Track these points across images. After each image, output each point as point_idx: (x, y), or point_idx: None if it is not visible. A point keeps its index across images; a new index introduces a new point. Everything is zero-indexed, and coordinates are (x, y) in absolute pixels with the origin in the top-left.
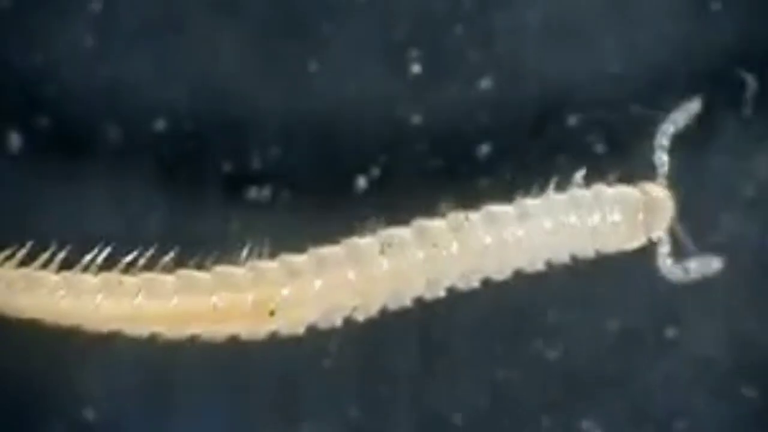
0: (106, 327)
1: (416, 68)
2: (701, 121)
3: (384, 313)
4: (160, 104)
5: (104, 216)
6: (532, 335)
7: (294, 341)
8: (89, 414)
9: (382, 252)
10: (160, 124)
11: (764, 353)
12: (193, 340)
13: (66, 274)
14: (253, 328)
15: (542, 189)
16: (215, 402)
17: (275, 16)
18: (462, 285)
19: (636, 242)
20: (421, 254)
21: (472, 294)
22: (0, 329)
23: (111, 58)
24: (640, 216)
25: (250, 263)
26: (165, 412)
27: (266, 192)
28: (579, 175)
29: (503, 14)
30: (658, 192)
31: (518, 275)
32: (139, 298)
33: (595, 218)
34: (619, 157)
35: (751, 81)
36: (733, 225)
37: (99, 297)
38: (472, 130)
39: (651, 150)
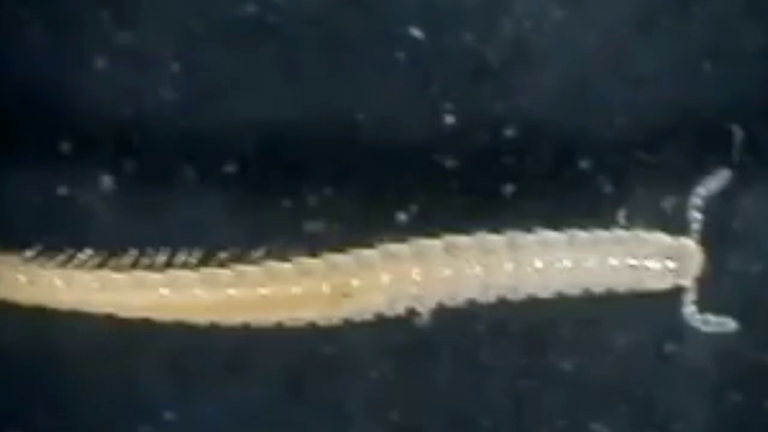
0: (205, 318)
1: (450, 119)
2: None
3: (423, 329)
4: (230, 149)
5: (183, 244)
6: (548, 348)
7: (341, 357)
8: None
9: (445, 252)
10: (230, 167)
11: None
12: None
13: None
14: (328, 313)
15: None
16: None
17: (329, 73)
18: (509, 296)
19: (664, 286)
20: (478, 262)
21: (497, 311)
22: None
23: (189, 109)
24: (672, 264)
25: (325, 255)
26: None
27: (320, 225)
28: (621, 214)
29: (524, 74)
30: (691, 245)
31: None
32: (232, 290)
33: (634, 259)
34: (623, 196)
35: (737, 131)
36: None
37: (197, 290)
38: (498, 171)
39: (655, 193)
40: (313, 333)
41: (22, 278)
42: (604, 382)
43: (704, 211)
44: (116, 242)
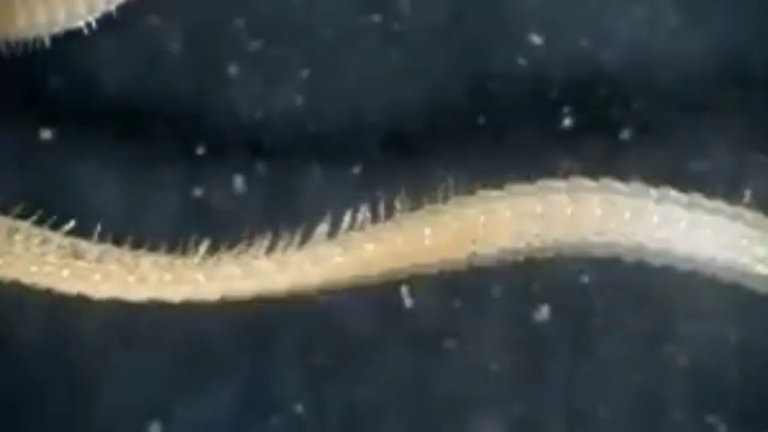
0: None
1: (567, 121)
2: None
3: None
4: (355, 150)
5: None
6: (665, 342)
7: (463, 351)
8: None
9: (568, 194)
10: (356, 168)
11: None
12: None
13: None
14: (457, 256)
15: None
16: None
17: (453, 78)
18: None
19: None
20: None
21: (614, 307)
22: None
23: (316, 112)
24: None
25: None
26: None
27: None
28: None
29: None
30: None
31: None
32: (371, 246)
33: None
34: (738, 198)
35: None
36: None
37: (338, 258)
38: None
39: None
40: (435, 327)
41: (200, 277)
42: (720, 376)
43: None
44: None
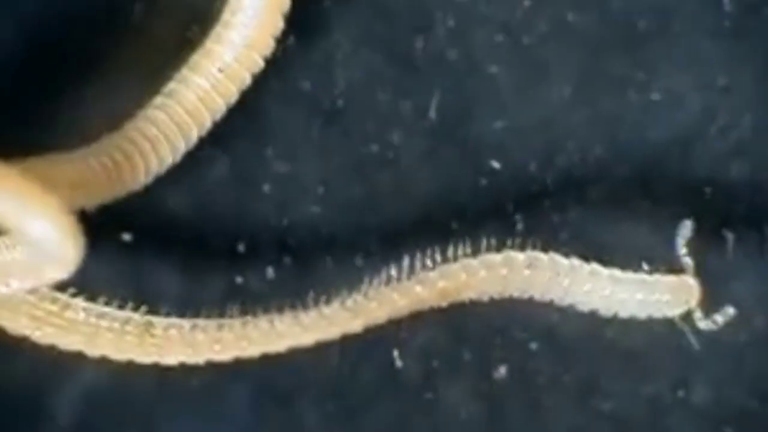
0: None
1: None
2: None
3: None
4: (358, 247)
5: None
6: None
7: (439, 402)
8: None
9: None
10: (359, 261)
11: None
12: None
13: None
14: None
15: None
16: None
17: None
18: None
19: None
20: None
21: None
22: None
23: (328, 220)
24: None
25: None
26: None
27: None
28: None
29: None
30: (691, 280)
31: None
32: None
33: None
34: None
35: None
36: None
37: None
38: None
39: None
40: (418, 383)
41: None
42: (636, 421)
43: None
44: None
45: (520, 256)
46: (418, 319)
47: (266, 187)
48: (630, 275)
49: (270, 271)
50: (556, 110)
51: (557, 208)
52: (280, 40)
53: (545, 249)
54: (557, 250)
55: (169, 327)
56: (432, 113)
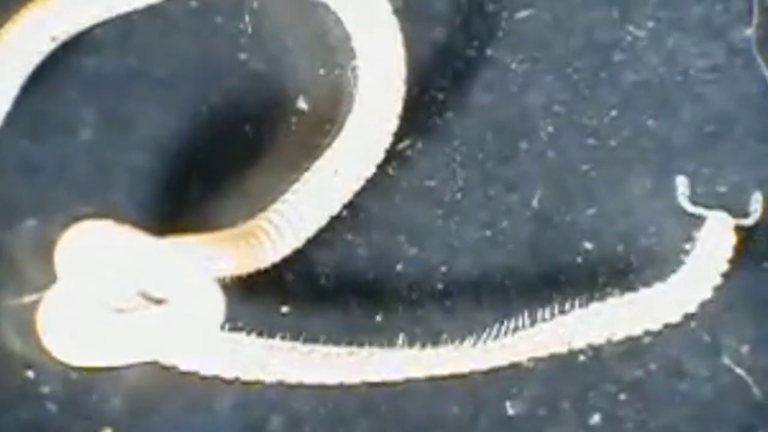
0: None
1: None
2: None
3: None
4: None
5: None
6: None
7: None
8: None
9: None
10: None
11: None
12: None
13: None
14: None
15: None
16: None
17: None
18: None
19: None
20: None
21: None
22: None
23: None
24: None
25: None
26: None
27: None
28: None
29: None
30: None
31: None
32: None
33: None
34: None
35: None
36: None
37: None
38: None
39: None
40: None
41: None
42: None
43: None
44: None
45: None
46: (524, 371)
47: (399, 267)
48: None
49: (401, 338)
50: (638, 200)
51: (641, 282)
52: (411, 145)
53: None
54: None
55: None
56: (535, 203)
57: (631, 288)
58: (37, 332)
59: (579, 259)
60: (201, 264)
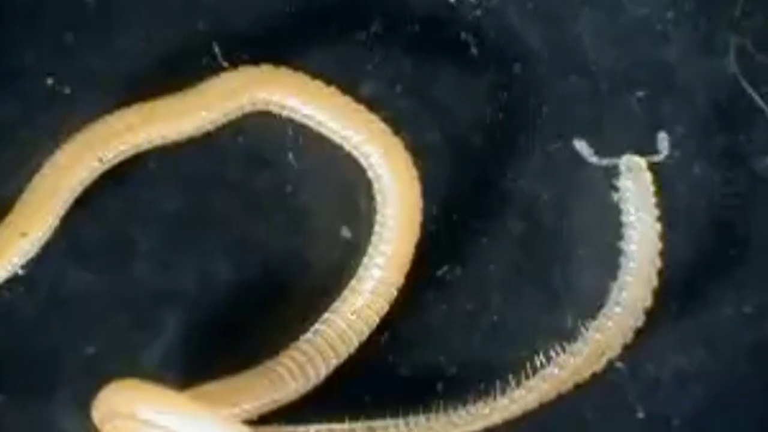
0: None
1: None
2: None
3: None
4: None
5: None
6: None
7: None
8: None
9: None
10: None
11: None
12: None
13: None
14: None
15: None
16: None
17: None
18: None
19: None
20: None
21: None
22: None
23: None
24: None
25: None
26: None
27: None
28: None
29: None
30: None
31: None
32: None
33: None
34: None
35: None
36: None
37: None
38: None
39: None
40: None
41: None
42: None
43: None
44: None
45: None
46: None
47: (439, 387)
48: None
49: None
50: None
51: None
52: (450, 269)
53: None
54: None
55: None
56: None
57: None
58: None
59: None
60: (224, 411)
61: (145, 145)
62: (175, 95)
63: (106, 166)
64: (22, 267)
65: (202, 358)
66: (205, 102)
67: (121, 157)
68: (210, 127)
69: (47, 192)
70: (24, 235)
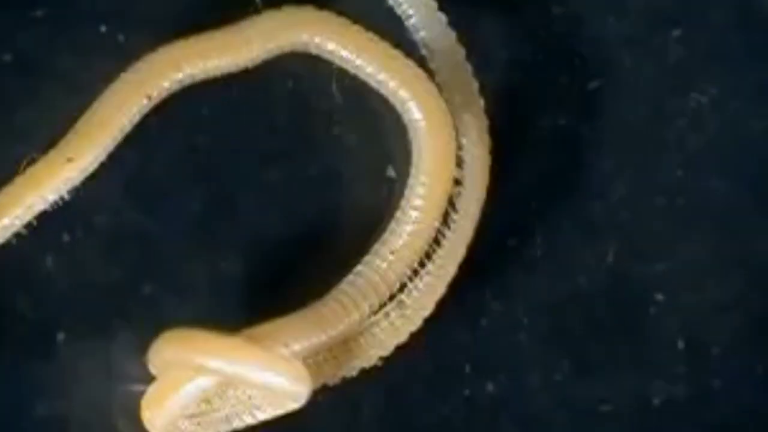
0: None
1: None
2: None
3: None
4: None
5: None
6: None
7: None
8: None
9: None
10: None
11: None
12: None
13: None
14: None
15: None
16: None
17: None
18: None
19: None
20: None
21: None
22: None
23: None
24: None
25: None
26: None
27: None
28: None
29: None
30: None
31: None
32: None
33: None
34: None
35: None
36: None
37: None
38: None
39: None
40: None
41: None
42: None
43: None
44: None
45: None
46: None
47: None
48: None
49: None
50: (702, 253)
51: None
52: (488, 207)
53: None
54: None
55: None
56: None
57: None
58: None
59: (652, 310)
60: (278, 349)
61: (188, 81)
62: (216, 31)
63: (153, 103)
64: (73, 195)
65: (254, 299)
66: (246, 39)
67: (165, 94)
68: (250, 64)
69: (96, 124)
70: (70, 160)
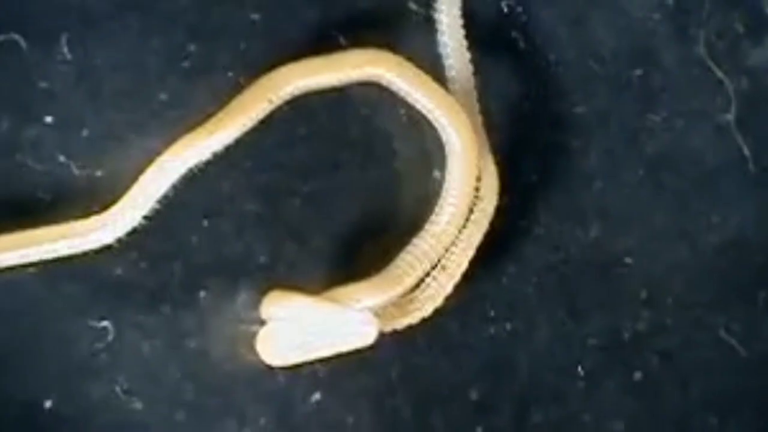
0: None
1: None
2: None
3: None
4: None
5: None
6: None
7: None
8: None
9: None
10: None
11: None
12: None
13: None
14: None
15: None
16: None
17: None
18: None
19: None
20: None
21: None
22: None
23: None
24: None
25: None
26: None
27: None
28: None
29: None
30: None
31: None
32: None
33: None
34: None
35: None
36: None
37: None
38: None
39: None
40: None
41: None
42: None
43: None
44: None
45: None
46: None
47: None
48: None
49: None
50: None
51: None
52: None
53: None
54: None
55: None
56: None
57: None
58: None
59: None
60: (351, 303)
61: (295, 92)
62: (319, 57)
63: (272, 107)
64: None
65: (334, 275)
66: (337, 68)
67: (280, 101)
68: (336, 85)
69: (232, 113)
70: (211, 133)
